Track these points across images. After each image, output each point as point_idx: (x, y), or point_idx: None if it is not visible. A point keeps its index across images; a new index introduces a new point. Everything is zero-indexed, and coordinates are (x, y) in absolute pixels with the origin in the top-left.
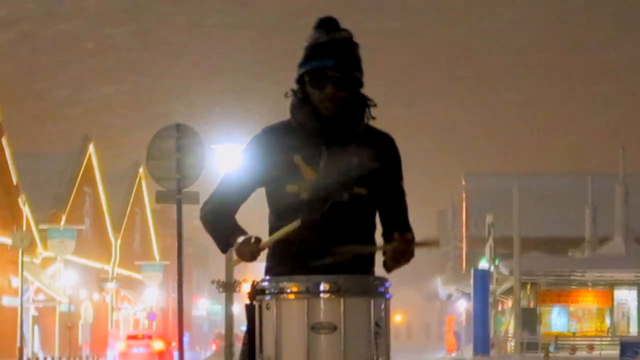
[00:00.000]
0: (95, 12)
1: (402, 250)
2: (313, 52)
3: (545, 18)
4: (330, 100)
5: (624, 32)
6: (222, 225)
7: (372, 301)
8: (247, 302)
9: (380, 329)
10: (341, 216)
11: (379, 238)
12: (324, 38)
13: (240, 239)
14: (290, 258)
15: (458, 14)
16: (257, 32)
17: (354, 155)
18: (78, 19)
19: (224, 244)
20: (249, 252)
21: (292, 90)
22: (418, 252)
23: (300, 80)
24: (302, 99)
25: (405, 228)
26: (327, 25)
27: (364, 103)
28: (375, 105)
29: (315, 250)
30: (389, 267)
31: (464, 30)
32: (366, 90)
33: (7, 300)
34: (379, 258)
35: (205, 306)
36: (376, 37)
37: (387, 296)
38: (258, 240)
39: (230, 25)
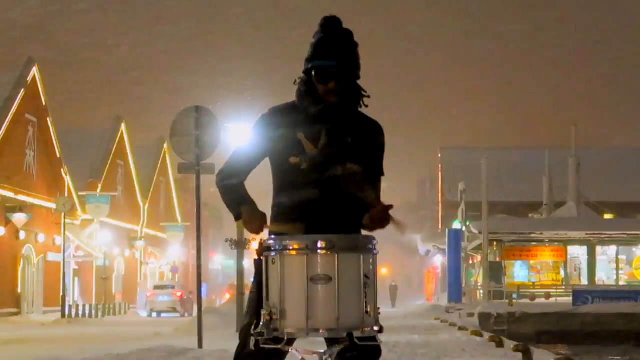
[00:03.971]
0: (125, 6)
1: (380, 214)
2: (319, 51)
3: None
4: (332, 93)
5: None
6: (233, 193)
7: (361, 256)
8: (256, 257)
9: (369, 280)
10: (335, 187)
11: None
12: (329, 38)
13: (248, 213)
14: (293, 220)
15: None
16: (267, 25)
17: (349, 137)
18: (113, 10)
19: (234, 211)
20: (254, 228)
21: (300, 79)
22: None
23: (306, 72)
24: (308, 88)
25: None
26: (332, 25)
27: (359, 94)
28: (368, 97)
29: (313, 213)
30: (367, 227)
31: (445, 11)
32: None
33: (52, 256)
34: None
35: (220, 261)
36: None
37: (375, 252)
38: (263, 216)
39: (245, 18)
